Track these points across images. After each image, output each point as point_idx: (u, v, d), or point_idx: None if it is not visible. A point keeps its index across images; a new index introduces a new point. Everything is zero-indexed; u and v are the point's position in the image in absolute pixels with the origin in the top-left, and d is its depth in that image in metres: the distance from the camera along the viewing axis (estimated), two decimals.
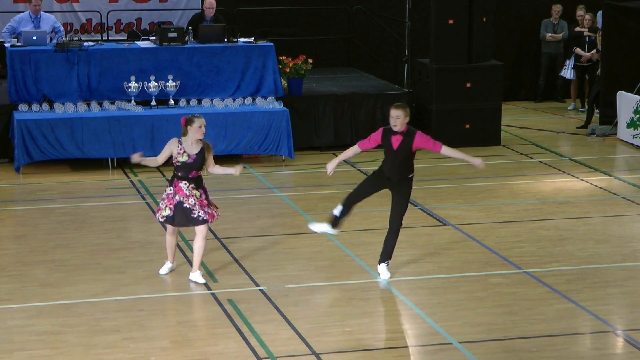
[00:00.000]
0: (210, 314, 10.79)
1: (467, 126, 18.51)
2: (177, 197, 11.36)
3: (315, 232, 12.01)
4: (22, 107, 16.90)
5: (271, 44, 17.86)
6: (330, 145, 18.19)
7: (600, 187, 15.87)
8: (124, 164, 16.99)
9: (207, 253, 12.65)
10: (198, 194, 11.40)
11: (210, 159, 11.51)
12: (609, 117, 19.46)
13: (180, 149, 11.35)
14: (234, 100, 17.53)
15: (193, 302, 11.12)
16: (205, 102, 17.42)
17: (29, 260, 12.50)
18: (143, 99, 17.21)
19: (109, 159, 16.93)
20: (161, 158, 11.58)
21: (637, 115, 18.47)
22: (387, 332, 10.55)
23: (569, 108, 22.20)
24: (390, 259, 11.72)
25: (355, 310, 10.91)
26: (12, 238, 13.53)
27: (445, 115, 18.47)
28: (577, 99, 22.13)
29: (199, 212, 11.37)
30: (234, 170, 11.64)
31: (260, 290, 11.46)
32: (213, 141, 16.92)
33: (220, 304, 11.02)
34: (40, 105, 16.95)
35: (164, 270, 11.92)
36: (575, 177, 16.49)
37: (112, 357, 9.71)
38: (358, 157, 17.59)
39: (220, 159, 17.14)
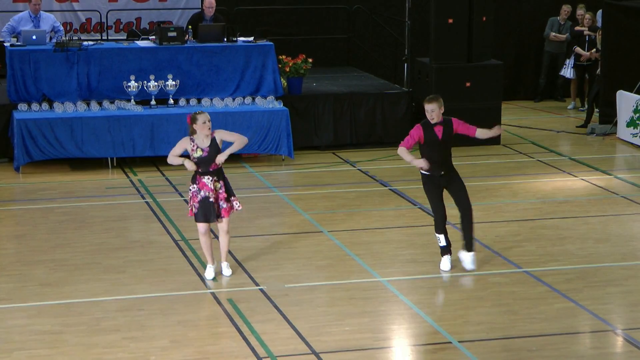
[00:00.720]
0: (210, 313, 10.79)
1: None
2: (202, 192, 11.45)
3: (449, 269, 11.94)
4: (22, 106, 16.90)
5: (271, 43, 17.85)
6: (330, 144, 18.19)
7: (600, 186, 15.87)
8: (123, 164, 16.99)
9: None
10: (219, 185, 11.50)
11: (230, 137, 11.57)
12: (609, 116, 19.46)
13: (194, 146, 11.43)
14: (233, 99, 17.53)
15: (193, 302, 11.12)
16: (205, 101, 17.42)
17: (29, 259, 12.50)
18: (143, 99, 17.21)
19: (109, 159, 16.92)
20: (174, 152, 11.62)
21: (637, 115, 18.47)
22: (387, 331, 10.55)
23: (568, 107, 22.20)
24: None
25: (355, 309, 10.91)
26: (11, 238, 13.53)
27: (444, 115, 18.39)
28: (576, 98, 22.13)
29: (220, 207, 11.51)
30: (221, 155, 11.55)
31: (260, 289, 11.46)
32: None
33: (220, 304, 11.02)
34: (40, 105, 16.95)
35: (209, 274, 11.76)
36: (575, 177, 16.49)
37: (111, 356, 9.71)
38: (358, 157, 17.62)
39: None
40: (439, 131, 11.65)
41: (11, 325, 10.47)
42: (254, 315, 10.68)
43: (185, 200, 14.98)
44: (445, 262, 11.97)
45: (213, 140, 11.43)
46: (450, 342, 10.08)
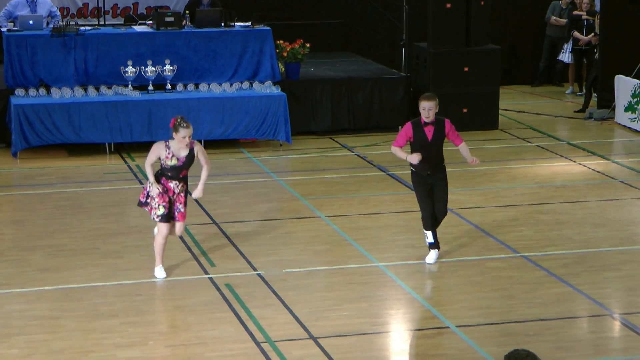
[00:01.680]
0: (208, 298, 10.79)
1: (465, 110, 18.50)
2: (168, 194, 11.19)
3: (432, 263, 11.80)
4: (19, 92, 16.87)
5: (268, 28, 17.83)
6: (328, 129, 18.18)
7: (598, 171, 15.87)
8: (121, 149, 16.99)
9: (205, 238, 12.66)
10: (183, 189, 11.25)
11: (203, 159, 11.22)
12: (607, 101, 19.45)
13: (169, 153, 11.09)
14: (231, 84, 17.51)
15: (191, 287, 11.12)
16: (203, 86, 17.40)
17: (27, 245, 12.50)
18: (140, 84, 17.19)
19: (106, 144, 16.91)
20: (150, 161, 11.20)
21: (635, 99, 18.46)
22: (385, 316, 10.56)
23: (566, 92, 22.20)
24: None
25: (353, 294, 10.92)
26: (9, 223, 13.53)
27: (442, 100, 18.20)
28: (575, 82, 22.12)
29: (178, 210, 11.26)
30: (196, 191, 11.44)
31: (258, 274, 11.47)
32: (210, 126, 17.01)
33: (218, 289, 11.03)
34: (37, 90, 16.92)
35: (160, 274, 11.43)
36: (573, 161, 16.49)
37: (110, 341, 9.72)
38: (355, 142, 17.61)
39: (218, 144, 17.21)
40: (429, 132, 11.45)
41: (9, 310, 10.47)
42: (252, 300, 10.69)
43: None
44: (431, 256, 11.81)
45: (191, 151, 11.12)
46: (448, 327, 10.09)
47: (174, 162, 11.09)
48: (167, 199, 11.18)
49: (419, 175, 11.58)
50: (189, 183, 11.35)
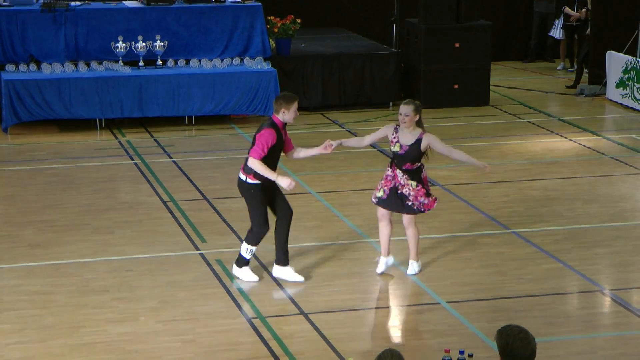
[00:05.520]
0: (199, 274, 10.80)
1: (456, 86, 18.49)
2: (394, 181, 10.45)
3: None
4: (9, 67, 16.81)
5: (259, 3, 17.77)
6: (319, 105, 18.15)
7: (589, 147, 15.89)
8: (111, 125, 16.95)
9: (196, 214, 12.65)
10: (414, 184, 10.40)
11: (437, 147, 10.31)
12: (598, 77, 19.45)
13: (394, 137, 10.38)
14: (221, 60, 17.46)
15: (182, 263, 11.13)
16: (193, 62, 17.35)
17: (18, 220, 12.48)
18: (131, 59, 17.14)
19: (97, 120, 16.87)
20: (369, 139, 10.67)
21: (626, 75, 18.46)
22: (376, 292, 10.58)
23: (558, 68, 22.19)
24: None
25: (343, 270, 10.93)
26: (0, 199, 13.50)
27: (434, 76, 18.43)
28: (566, 58, 22.11)
29: (413, 202, 10.42)
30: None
31: None
32: (200, 102, 16.98)
33: (209, 265, 11.03)
34: (28, 66, 16.86)
35: (380, 268, 10.76)
36: (564, 137, 16.50)
37: (101, 317, 9.73)
38: (346, 118, 17.59)
39: (209, 120, 17.18)
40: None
41: (0, 286, 10.47)
42: None
43: (174, 161, 14.98)
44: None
45: (418, 141, 10.30)
46: (439, 303, 10.11)
47: (396, 148, 10.38)
48: (390, 185, 10.45)
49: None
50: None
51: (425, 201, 10.48)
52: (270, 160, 10.29)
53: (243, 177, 10.31)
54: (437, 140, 10.39)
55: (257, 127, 17.09)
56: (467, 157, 10.63)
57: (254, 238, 10.47)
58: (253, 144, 10.27)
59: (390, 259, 10.81)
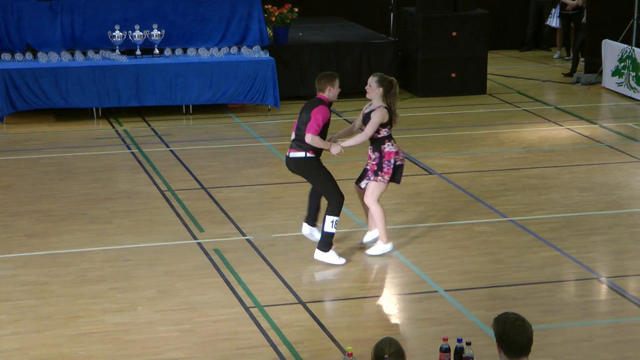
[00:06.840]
0: (196, 263, 10.80)
1: (453, 75, 18.48)
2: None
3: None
4: (5, 56, 16.79)
5: None
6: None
7: (585, 136, 15.89)
8: (108, 114, 16.94)
9: (194, 203, 12.65)
10: (373, 156, 10.78)
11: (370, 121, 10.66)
12: (594, 66, 19.44)
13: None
14: (219, 49, 17.44)
15: (179, 252, 11.13)
16: (191, 51, 17.33)
17: (14, 210, 12.48)
18: (128, 48, 17.12)
19: (94, 109, 16.86)
20: (357, 123, 11.10)
21: (622, 64, 18.46)
22: (374, 280, 10.59)
23: (554, 56, 22.18)
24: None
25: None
26: None
27: (431, 65, 18.42)
28: (562, 47, 22.10)
29: (368, 175, 10.84)
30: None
31: (246, 239, 11.48)
32: (198, 91, 16.96)
33: (207, 254, 11.04)
34: (24, 55, 16.84)
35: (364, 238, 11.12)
36: (561, 126, 16.50)
37: (98, 307, 9.73)
38: (344, 107, 17.59)
39: (206, 109, 17.16)
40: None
41: None
42: (240, 265, 10.70)
43: (171, 150, 14.97)
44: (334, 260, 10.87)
45: (372, 112, 10.75)
46: (436, 291, 10.12)
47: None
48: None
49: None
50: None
51: (372, 177, 10.75)
52: (322, 135, 10.70)
53: (301, 154, 10.70)
54: (374, 117, 10.63)
55: (255, 116, 17.23)
56: (353, 142, 10.88)
57: (334, 209, 10.63)
58: (307, 121, 10.60)
59: (375, 233, 10.97)
